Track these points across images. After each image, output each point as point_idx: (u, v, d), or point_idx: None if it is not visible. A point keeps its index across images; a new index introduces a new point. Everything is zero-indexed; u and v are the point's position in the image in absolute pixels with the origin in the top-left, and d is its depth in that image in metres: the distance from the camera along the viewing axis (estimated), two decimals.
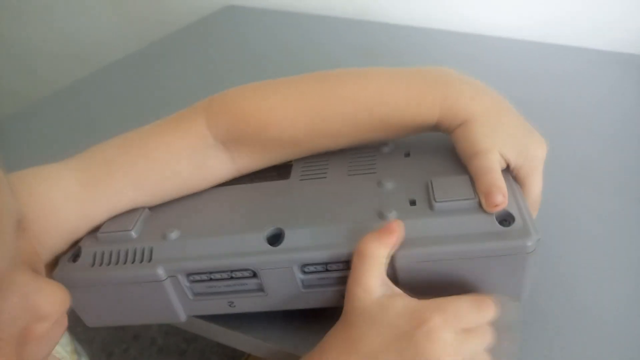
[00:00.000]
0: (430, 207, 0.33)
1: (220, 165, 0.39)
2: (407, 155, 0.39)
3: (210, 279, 0.35)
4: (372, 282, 0.31)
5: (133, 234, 0.36)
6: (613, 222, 0.47)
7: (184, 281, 0.35)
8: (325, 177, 0.38)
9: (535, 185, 0.36)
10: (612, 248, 0.44)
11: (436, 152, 0.39)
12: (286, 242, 0.33)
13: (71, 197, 0.35)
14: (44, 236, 0.34)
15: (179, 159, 0.37)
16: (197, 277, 0.35)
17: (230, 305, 0.36)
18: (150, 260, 0.34)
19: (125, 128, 0.39)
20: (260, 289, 0.35)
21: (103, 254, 0.35)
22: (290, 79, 0.39)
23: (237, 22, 1.04)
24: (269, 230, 0.34)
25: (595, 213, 0.48)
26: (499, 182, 0.32)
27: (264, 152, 0.39)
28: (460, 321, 0.29)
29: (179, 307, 0.36)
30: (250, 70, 0.82)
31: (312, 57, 0.85)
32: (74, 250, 0.36)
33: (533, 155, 0.35)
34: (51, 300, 0.23)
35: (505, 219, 0.32)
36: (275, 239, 0.34)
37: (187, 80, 0.83)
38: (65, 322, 0.26)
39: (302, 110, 0.37)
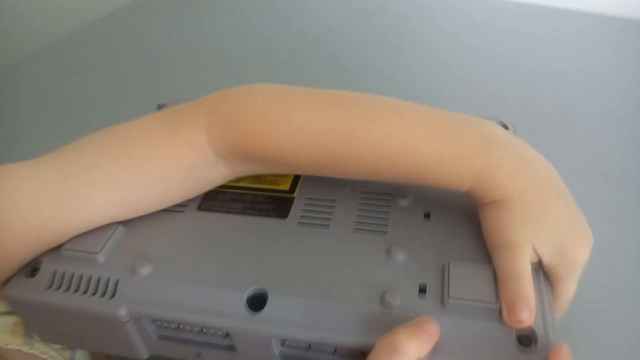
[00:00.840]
0: (442, 301, 0.28)
1: (218, 176, 0.35)
2: (427, 216, 0.34)
3: (179, 328, 0.31)
4: None
5: (100, 257, 0.31)
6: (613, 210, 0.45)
7: (148, 325, 0.31)
8: (327, 226, 0.33)
9: (568, 290, 0.30)
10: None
11: (462, 217, 0.33)
12: (268, 310, 0.29)
13: (40, 210, 0.30)
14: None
15: (173, 174, 0.32)
16: (164, 324, 0.31)
17: (197, 356, 0.32)
18: (113, 295, 0.30)
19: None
20: (232, 349, 0.30)
21: (63, 275, 0.31)
22: (312, 95, 0.33)
23: None
24: (250, 291, 0.29)
25: (598, 201, 0.46)
26: (528, 293, 0.27)
27: (268, 168, 0.35)
28: None
29: (140, 345, 0.32)
30: (243, 30, 0.76)
31: (307, 19, 0.79)
32: (33, 264, 0.32)
33: (572, 258, 0.29)
34: None
35: (526, 337, 0.27)
36: (256, 301, 0.29)
37: (177, 37, 0.77)
38: None
39: (316, 146, 0.31)
